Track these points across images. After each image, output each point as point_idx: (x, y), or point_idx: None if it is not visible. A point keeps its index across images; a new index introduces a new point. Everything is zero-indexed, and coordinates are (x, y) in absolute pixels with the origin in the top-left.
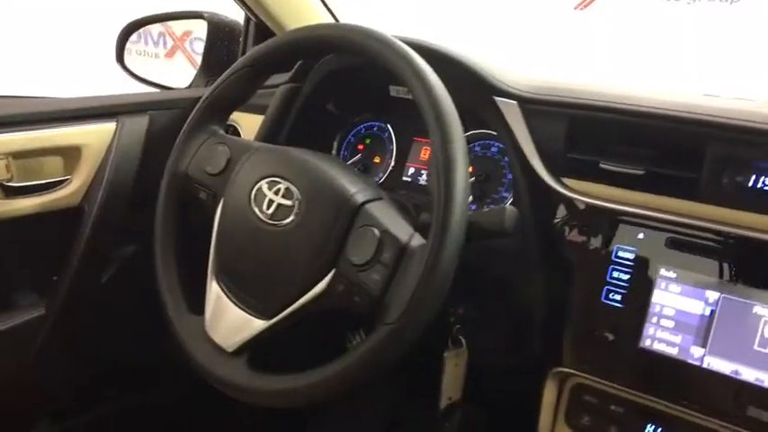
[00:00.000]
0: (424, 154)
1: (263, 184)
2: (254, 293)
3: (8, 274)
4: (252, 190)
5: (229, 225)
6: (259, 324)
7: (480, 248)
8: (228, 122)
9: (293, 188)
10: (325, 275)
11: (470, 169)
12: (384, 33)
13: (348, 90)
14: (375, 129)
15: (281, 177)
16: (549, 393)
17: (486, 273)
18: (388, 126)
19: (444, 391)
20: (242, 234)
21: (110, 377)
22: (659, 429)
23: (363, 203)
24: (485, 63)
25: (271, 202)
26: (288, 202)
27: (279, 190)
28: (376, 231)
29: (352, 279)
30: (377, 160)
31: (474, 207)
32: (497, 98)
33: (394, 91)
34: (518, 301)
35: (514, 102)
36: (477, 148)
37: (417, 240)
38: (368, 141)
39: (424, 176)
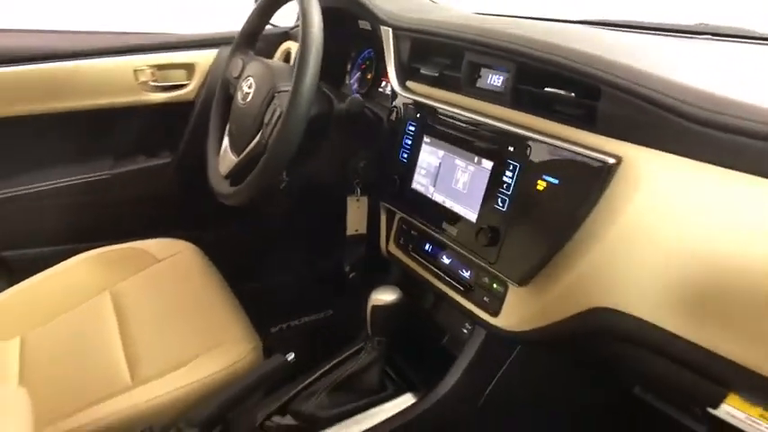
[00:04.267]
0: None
1: (242, 81)
2: (235, 144)
3: (152, 137)
4: (238, 84)
5: (233, 106)
6: (235, 159)
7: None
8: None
9: (253, 82)
10: (258, 133)
11: None
12: None
13: (344, 25)
14: (371, 54)
15: (251, 76)
16: (383, 222)
17: (377, 142)
18: (374, 52)
19: (350, 224)
20: (234, 109)
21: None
22: (431, 247)
23: (280, 91)
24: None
25: (242, 90)
26: (249, 91)
27: (247, 84)
28: (276, 105)
29: (265, 135)
30: (369, 77)
31: None
32: (381, 26)
33: (362, 24)
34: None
35: (390, 29)
36: None
37: None
38: (367, 63)
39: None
